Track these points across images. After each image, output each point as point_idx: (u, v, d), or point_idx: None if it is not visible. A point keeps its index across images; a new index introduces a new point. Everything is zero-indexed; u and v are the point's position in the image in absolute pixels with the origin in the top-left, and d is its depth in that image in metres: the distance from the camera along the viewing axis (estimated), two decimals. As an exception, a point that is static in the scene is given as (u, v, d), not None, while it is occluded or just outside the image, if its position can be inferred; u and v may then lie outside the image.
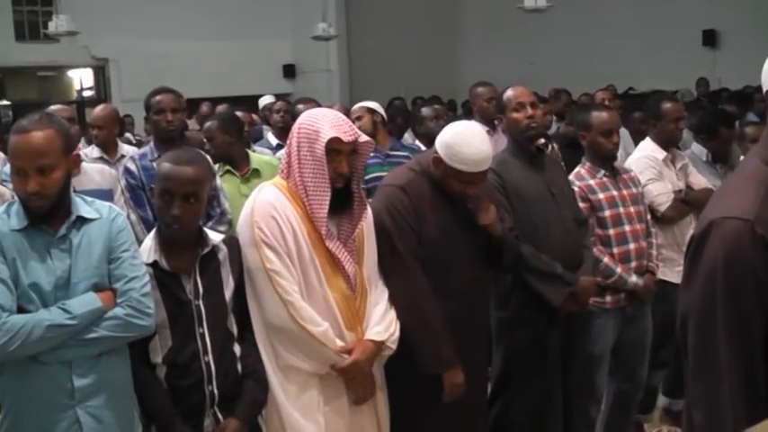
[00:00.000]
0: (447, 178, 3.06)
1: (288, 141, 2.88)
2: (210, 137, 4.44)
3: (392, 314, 2.94)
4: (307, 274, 2.77)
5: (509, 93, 3.68)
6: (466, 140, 2.99)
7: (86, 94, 15.41)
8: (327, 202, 2.74)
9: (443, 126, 4.99)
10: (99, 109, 5.52)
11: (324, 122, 2.76)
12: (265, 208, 2.76)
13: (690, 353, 1.61)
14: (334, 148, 2.73)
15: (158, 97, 4.16)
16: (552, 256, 3.48)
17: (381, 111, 5.19)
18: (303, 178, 2.77)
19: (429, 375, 3.03)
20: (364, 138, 2.84)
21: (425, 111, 5.33)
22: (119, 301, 2.46)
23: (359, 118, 5.08)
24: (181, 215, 2.59)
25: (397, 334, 2.91)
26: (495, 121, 3.90)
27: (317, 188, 2.75)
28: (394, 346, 2.91)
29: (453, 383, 3.05)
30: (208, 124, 4.54)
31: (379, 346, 2.88)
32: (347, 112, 6.29)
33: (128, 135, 7.47)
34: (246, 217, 2.78)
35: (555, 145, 5.31)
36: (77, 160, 2.55)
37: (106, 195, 3.66)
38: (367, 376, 2.89)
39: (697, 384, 1.60)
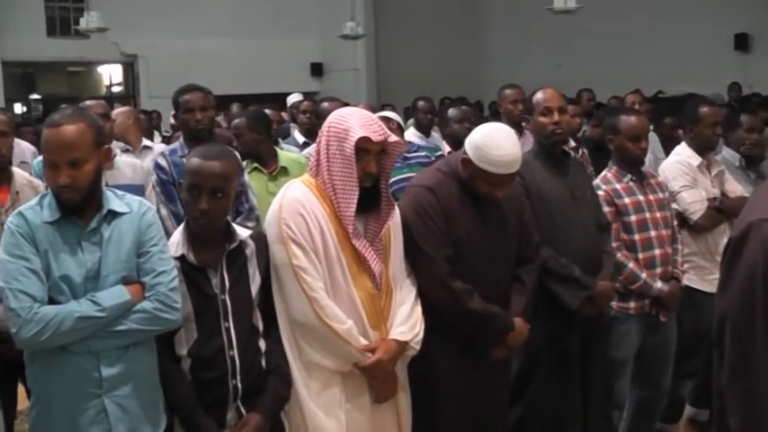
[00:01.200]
0: (475, 179, 3.06)
1: (317, 139, 2.89)
2: (239, 134, 4.47)
3: (417, 314, 2.96)
4: (332, 272, 2.79)
5: (538, 96, 3.67)
6: (495, 142, 3.00)
7: (115, 89, 15.54)
8: (355, 201, 2.76)
9: (469, 128, 5.04)
10: (117, 110, 5.67)
11: (354, 121, 2.77)
12: (293, 205, 2.78)
13: (726, 357, 1.59)
14: (364, 147, 2.75)
15: (187, 96, 4.19)
16: (571, 260, 3.48)
17: (397, 118, 5.20)
18: (332, 176, 2.79)
19: (453, 371, 3.11)
20: (394, 138, 2.85)
21: (452, 112, 5.32)
22: (147, 294, 2.50)
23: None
24: (208, 210, 2.62)
25: (422, 335, 2.93)
26: (523, 123, 3.90)
27: (345, 187, 2.77)
28: (417, 347, 2.93)
29: (517, 338, 3.16)
30: (236, 121, 4.58)
31: (403, 346, 2.89)
32: (373, 112, 6.32)
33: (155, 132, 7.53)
34: (274, 213, 2.81)
35: (585, 150, 5.30)
36: (108, 154, 2.59)
37: (138, 191, 3.70)
38: (389, 375, 2.91)
39: (733, 389, 1.58)
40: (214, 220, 2.66)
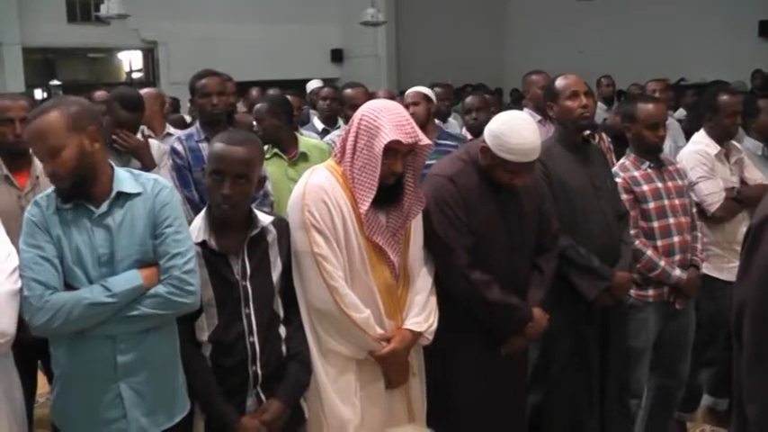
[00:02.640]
0: (494, 168, 3.07)
1: (348, 126, 2.90)
2: (259, 119, 4.49)
3: (432, 305, 2.98)
4: (352, 261, 2.82)
5: (563, 81, 3.66)
6: (514, 130, 2.99)
7: (135, 76, 15.56)
8: (370, 200, 2.77)
9: (487, 116, 5.04)
10: (144, 90, 5.63)
11: (386, 119, 2.76)
12: (317, 192, 2.79)
13: (745, 346, 1.59)
14: (393, 147, 2.74)
15: (204, 81, 4.22)
16: (590, 249, 3.49)
17: (431, 94, 5.19)
18: (353, 168, 2.81)
19: (470, 359, 3.15)
20: (425, 141, 2.84)
21: (470, 101, 5.32)
22: (162, 278, 2.49)
23: (415, 104, 5.07)
24: (231, 195, 2.63)
25: (435, 325, 2.96)
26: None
27: (363, 183, 2.78)
28: (431, 337, 2.96)
29: (535, 329, 3.19)
30: (258, 106, 4.59)
31: (417, 336, 2.93)
32: (392, 98, 6.30)
33: (184, 116, 7.52)
34: (297, 199, 2.82)
35: (606, 136, 5.28)
36: (95, 134, 2.52)
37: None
38: (403, 363, 2.95)
39: (752, 377, 1.58)
40: (237, 206, 2.67)
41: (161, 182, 2.64)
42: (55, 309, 2.36)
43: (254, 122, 4.57)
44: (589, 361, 3.59)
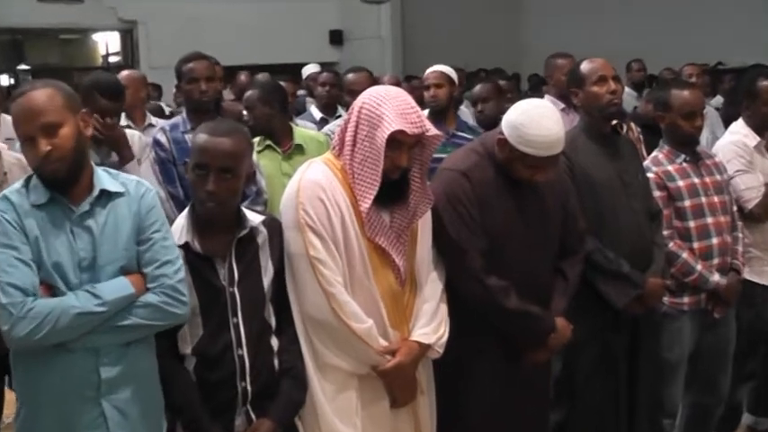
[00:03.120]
0: (513, 162, 3.06)
1: (347, 116, 2.89)
2: (250, 107, 4.49)
3: (443, 314, 2.98)
4: (353, 265, 2.81)
5: (589, 65, 3.66)
6: (535, 120, 2.97)
7: (112, 59, 15.56)
8: (372, 196, 2.76)
9: (497, 106, 5.03)
10: (125, 72, 5.60)
11: (390, 108, 2.75)
12: (312, 188, 2.78)
13: None
14: (397, 139, 2.73)
15: (191, 64, 4.21)
16: (619, 252, 3.48)
17: (451, 72, 5.16)
18: (353, 162, 2.80)
19: (485, 372, 3.14)
20: (433, 131, 2.83)
21: (478, 91, 5.30)
22: (150, 286, 2.50)
23: (438, 86, 5.05)
24: (216, 191, 2.63)
25: (446, 336, 2.95)
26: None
27: (364, 178, 2.77)
28: (441, 350, 2.95)
29: (558, 340, 3.19)
30: (248, 93, 4.59)
31: (426, 348, 2.92)
32: (398, 85, 6.27)
33: (161, 104, 7.53)
34: (291, 197, 2.82)
35: (635, 126, 5.27)
36: (87, 119, 2.55)
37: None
38: (409, 379, 2.93)
39: None
40: (222, 204, 2.67)
41: (144, 183, 2.66)
42: (40, 318, 2.35)
43: (244, 111, 4.56)
44: (617, 372, 3.58)
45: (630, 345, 3.61)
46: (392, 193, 2.82)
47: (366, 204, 2.76)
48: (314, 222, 2.75)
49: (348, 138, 2.83)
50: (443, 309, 2.98)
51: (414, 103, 2.83)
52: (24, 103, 2.44)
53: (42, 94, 2.44)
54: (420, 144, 2.85)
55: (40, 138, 2.41)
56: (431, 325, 2.93)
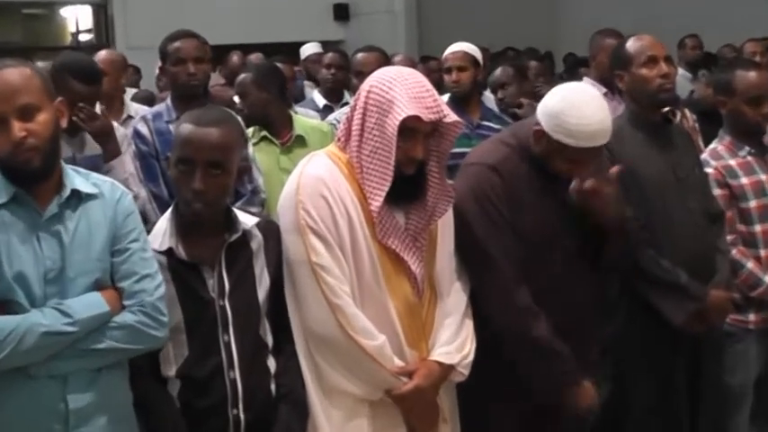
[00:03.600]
0: (550, 155, 3.05)
1: (353, 101, 2.90)
2: (244, 93, 4.50)
3: (468, 330, 2.97)
4: (362, 273, 2.81)
5: (636, 43, 3.65)
6: (576, 107, 2.97)
7: (83, 38, 15.61)
8: (384, 193, 2.75)
9: (517, 92, 5.02)
10: (102, 53, 5.57)
11: (401, 91, 2.74)
12: (315, 185, 2.78)
13: None
14: (410, 126, 2.73)
15: (177, 43, 4.23)
16: (675, 260, 3.46)
17: (476, 52, 5.15)
18: (360, 154, 2.80)
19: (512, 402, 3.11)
20: (451, 117, 2.81)
21: (498, 75, 5.29)
22: (127, 303, 2.50)
23: (461, 68, 5.04)
24: (204, 190, 2.63)
25: (472, 356, 2.94)
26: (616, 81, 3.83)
27: (374, 173, 2.77)
28: (466, 372, 2.94)
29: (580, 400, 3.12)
30: (241, 77, 4.60)
31: (448, 370, 2.91)
32: (414, 67, 6.25)
33: (151, 91, 7.54)
34: (290, 195, 2.81)
35: (690, 113, 5.25)
36: (63, 108, 2.54)
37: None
38: (430, 406, 2.92)
39: None
40: (211, 204, 2.67)
41: (118, 186, 2.66)
42: (1, 336, 2.33)
43: (236, 98, 4.56)
44: (675, 404, 3.55)
45: (691, 369, 3.58)
46: (407, 190, 2.81)
47: (377, 203, 2.76)
48: (316, 224, 2.75)
49: (355, 127, 2.83)
50: (468, 324, 2.98)
51: (429, 85, 2.83)
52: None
53: (18, 73, 2.43)
54: (437, 133, 2.85)
55: (13, 120, 2.38)
56: (454, 342, 2.92)
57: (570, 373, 3.10)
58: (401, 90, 2.74)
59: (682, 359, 3.57)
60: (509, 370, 3.08)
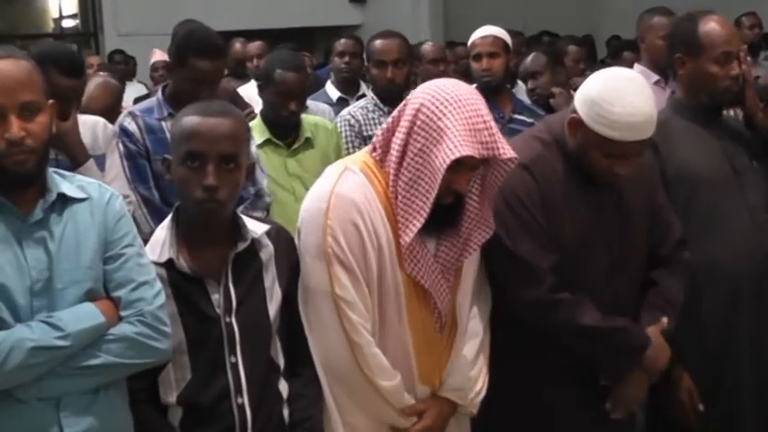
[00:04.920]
0: (588, 150, 3.04)
1: (396, 112, 2.87)
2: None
3: (482, 362, 3.02)
4: (384, 306, 2.85)
5: (714, 28, 3.57)
6: (618, 95, 2.95)
7: (68, 24, 15.66)
8: (417, 228, 2.75)
9: (549, 81, 5.02)
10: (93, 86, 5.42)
11: (456, 120, 2.70)
12: (347, 209, 2.78)
13: None
14: (459, 160, 2.69)
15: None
16: (735, 263, 3.46)
17: (506, 36, 5.16)
18: (398, 180, 2.79)
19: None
20: (507, 153, 2.77)
21: (529, 62, 5.29)
22: (124, 314, 2.50)
23: (492, 55, 5.03)
24: (218, 185, 2.62)
25: (485, 392, 3.00)
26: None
27: (410, 205, 2.77)
28: (476, 410, 3.01)
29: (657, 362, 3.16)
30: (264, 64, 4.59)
31: (458, 407, 2.98)
32: (443, 55, 6.23)
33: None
34: (316, 215, 2.81)
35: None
36: (54, 109, 2.55)
37: (101, 161, 3.78)
38: None
39: None
40: (224, 202, 2.67)
41: (107, 188, 2.67)
42: None
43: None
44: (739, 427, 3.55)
45: (756, 385, 3.57)
46: (441, 217, 2.82)
47: (408, 237, 2.77)
48: (344, 254, 2.76)
49: (396, 147, 2.81)
50: (484, 356, 3.02)
51: (486, 112, 2.77)
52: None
53: (19, 66, 2.43)
54: (487, 163, 2.84)
55: (13, 117, 2.39)
56: (468, 376, 2.97)
57: (640, 337, 3.13)
58: (455, 119, 2.71)
59: (746, 374, 3.56)
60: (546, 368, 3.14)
